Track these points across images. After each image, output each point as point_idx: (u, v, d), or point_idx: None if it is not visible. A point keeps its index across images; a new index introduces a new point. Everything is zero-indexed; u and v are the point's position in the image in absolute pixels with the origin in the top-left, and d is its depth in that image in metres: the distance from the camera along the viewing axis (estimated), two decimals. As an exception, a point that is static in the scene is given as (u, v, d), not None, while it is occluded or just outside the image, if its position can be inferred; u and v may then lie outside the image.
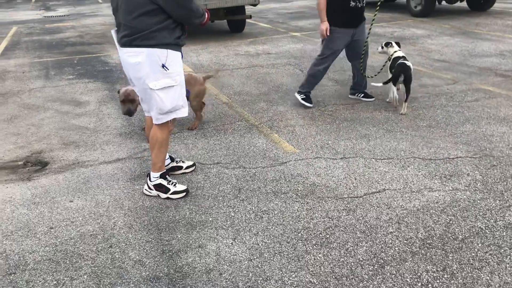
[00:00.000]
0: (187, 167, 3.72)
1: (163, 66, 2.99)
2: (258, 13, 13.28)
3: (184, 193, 3.33)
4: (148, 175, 3.36)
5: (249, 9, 12.55)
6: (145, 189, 3.38)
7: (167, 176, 3.35)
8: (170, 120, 3.24)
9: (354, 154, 3.92)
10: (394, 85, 4.96)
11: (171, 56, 3.03)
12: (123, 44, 3.01)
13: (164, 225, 2.99)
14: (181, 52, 3.15)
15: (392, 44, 5.21)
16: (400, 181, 3.43)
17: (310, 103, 5.17)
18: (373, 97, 5.37)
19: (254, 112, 5.10)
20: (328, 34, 4.83)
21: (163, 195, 3.30)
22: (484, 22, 10.22)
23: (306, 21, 11.74)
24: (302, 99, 5.16)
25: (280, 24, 11.48)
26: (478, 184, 3.34)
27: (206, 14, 3.20)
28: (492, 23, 10.06)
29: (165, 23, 2.96)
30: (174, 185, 3.32)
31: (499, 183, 3.35)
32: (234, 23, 10.38)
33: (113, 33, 3.14)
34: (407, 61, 4.86)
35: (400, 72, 4.75)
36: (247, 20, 11.11)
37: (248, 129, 4.60)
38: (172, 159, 3.70)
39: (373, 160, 3.81)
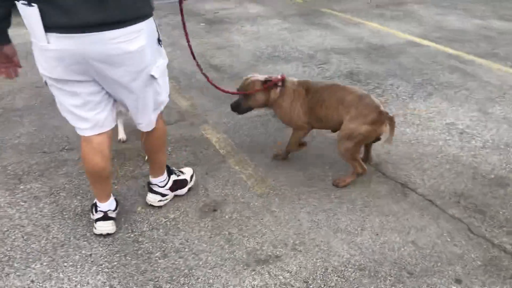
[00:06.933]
0: None
1: (158, 40, 2.02)
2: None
3: (192, 171, 2.66)
4: (149, 185, 2.47)
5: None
6: (158, 201, 2.45)
7: (169, 166, 2.54)
8: None
9: None
10: None
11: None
12: (112, 25, 1.76)
13: None
14: None
15: None
16: None
17: None
18: None
19: None
20: None
21: (184, 190, 2.54)
22: None
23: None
24: None
25: None
26: None
27: None
28: None
29: None
30: (181, 172, 2.60)
31: None
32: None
33: (34, 12, 1.69)
34: None
35: None
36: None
37: None
38: None
39: None
